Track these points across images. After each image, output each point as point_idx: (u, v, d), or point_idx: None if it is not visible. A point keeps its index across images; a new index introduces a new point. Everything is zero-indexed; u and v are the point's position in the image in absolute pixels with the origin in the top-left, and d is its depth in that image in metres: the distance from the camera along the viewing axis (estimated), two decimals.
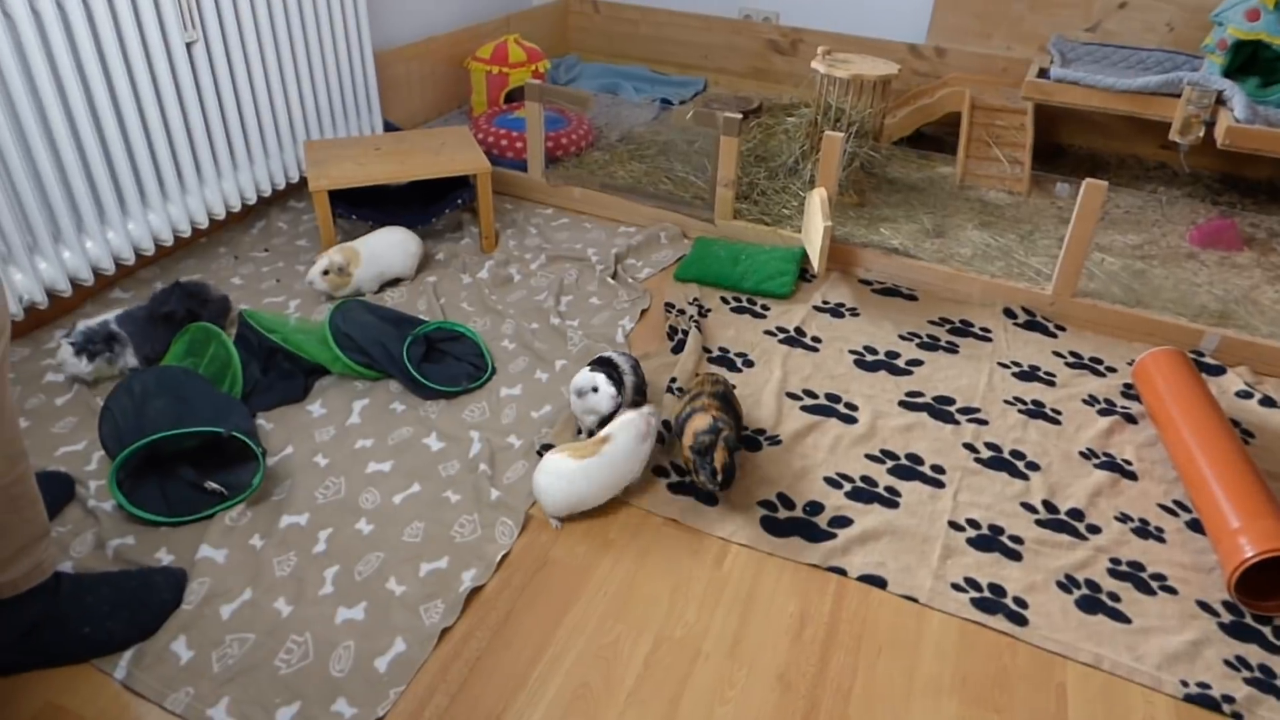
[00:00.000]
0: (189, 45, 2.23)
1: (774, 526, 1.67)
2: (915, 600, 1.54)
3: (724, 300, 2.40)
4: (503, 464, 1.80)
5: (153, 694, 1.33)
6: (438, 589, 1.51)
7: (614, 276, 2.48)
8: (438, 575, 1.54)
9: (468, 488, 1.72)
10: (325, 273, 2.23)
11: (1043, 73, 3.02)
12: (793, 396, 2.03)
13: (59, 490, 1.65)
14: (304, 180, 2.69)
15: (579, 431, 1.87)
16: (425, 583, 1.52)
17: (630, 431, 1.67)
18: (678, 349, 2.17)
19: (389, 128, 3.06)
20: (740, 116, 2.50)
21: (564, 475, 1.63)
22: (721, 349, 2.20)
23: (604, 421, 1.80)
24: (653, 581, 1.56)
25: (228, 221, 2.64)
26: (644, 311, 2.34)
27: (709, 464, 1.64)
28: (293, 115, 2.61)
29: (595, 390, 1.78)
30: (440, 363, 2.07)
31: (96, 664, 1.37)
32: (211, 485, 1.66)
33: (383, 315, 2.10)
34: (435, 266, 2.50)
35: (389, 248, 2.34)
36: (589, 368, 1.83)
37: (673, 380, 2.03)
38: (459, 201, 2.63)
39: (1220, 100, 2.71)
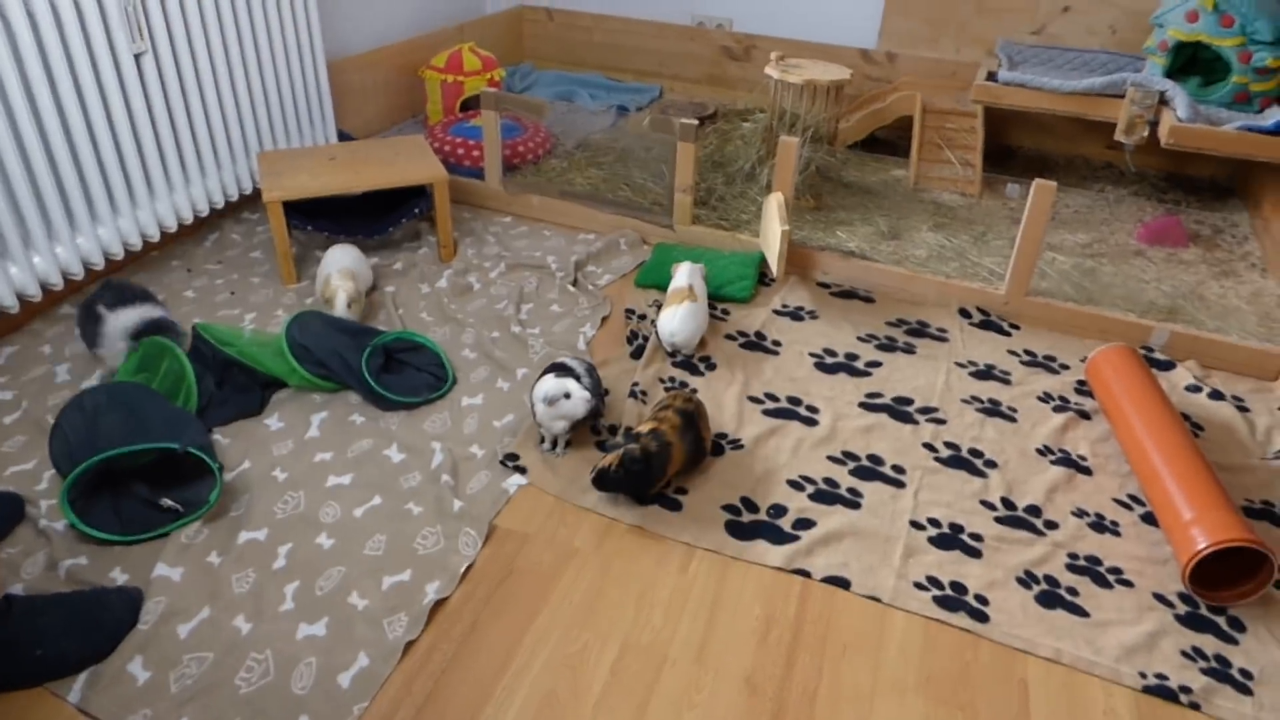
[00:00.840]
0: (138, 56, 2.19)
1: (738, 530, 1.68)
2: (879, 600, 1.55)
3: None
4: (466, 474, 1.78)
5: (109, 717, 1.29)
6: (401, 602, 1.49)
7: (574, 284, 2.47)
8: (401, 588, 1.52)
9: (430, 499, 1.70)
10: (349, 304, 2.17)
11: (991, 76, 3.07)
12: (754, 400, 2.04)
13: (8, 510, 1.60)
14: (258, 192, 2.64)
15: (542, 440, 1.85)
16: (388, 596, 1.50)
17: (699, 277, 2.20)
18: (637, 354, 2.16)
19: (343, 137, 3.02)
20: (697, 122, 2.51)
21: (689, 315, 2.12)
22: (684, 353, 2.20)
23: (574, 427, 1.81)
24: (618, 589, 1.55)
25: (180, 234, 2.59)
26: (605, 318, 2.33)
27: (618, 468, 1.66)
28: (245, 126, 2.57)
29: (568, 396, 1.76)
30: (400, 374, 2.04)
31: (50, 687, 1.33)
32: (167, 502, 1.62)
33: (340, 326, 2.07)
34: (393, 276, 2.47)
35: (357, 263, 2.30)
36: (551, 374, 1.82)
37: (635, 385, 2.02)
38: (416, 211, 2.60)
39: (1163, 100, 2.77)
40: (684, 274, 2.23)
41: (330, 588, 1.51)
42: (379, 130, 3.39)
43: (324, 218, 2.54)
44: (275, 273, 2.45)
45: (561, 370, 1.84)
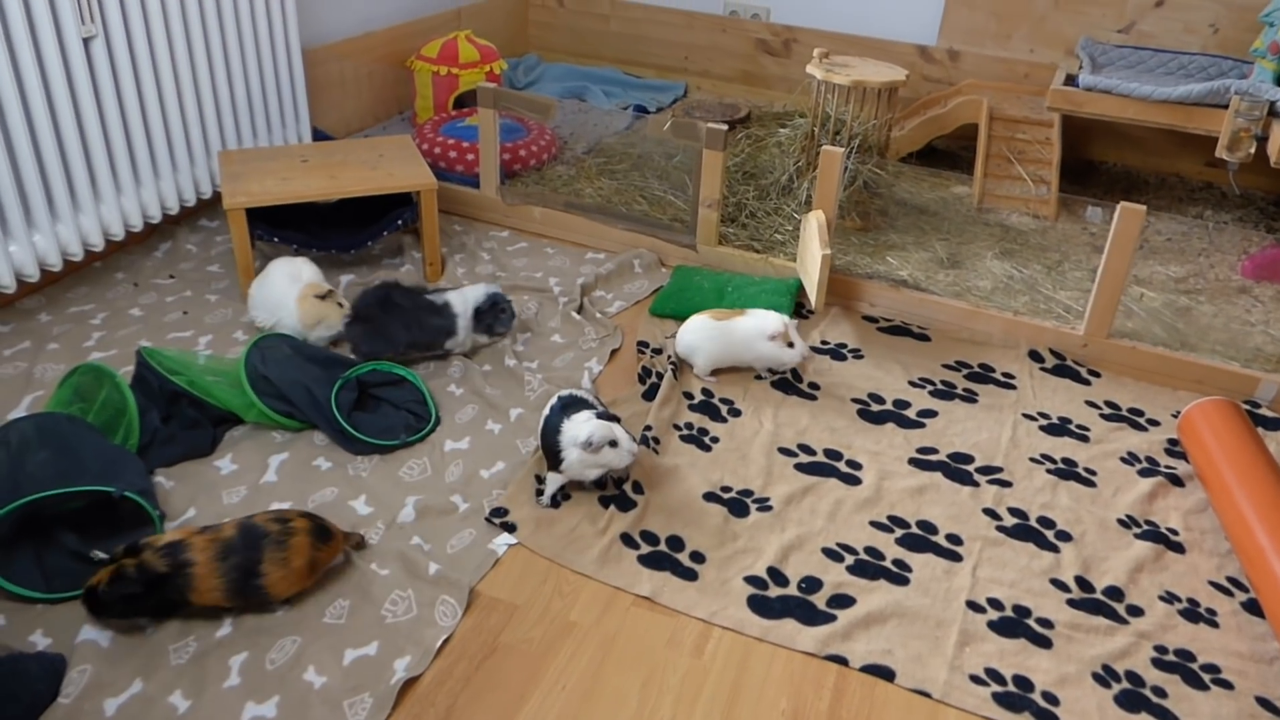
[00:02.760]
0: (86, 41, 2.23)
1: (763, 607, 1.66)
2: (928, 695, 1.53)
3: None
4: (445, 531, 1.78)
5: None
6: (365, 680, 1.49)
7: (580, 310, 2.48)
8: (365, 664, 1.51)
9: (398, 558, 1.70)
10: (340, 305, 2.21)
11: (1070, 80, 3.09)
12: (786, 453, 2.03)
13: None
14: (218, 196, 2.68)
15: (539, 494, 1.86)
16: (350, 673, 1.50)
17: (767, 324, 2.17)
18: (649, 395, 2.17)
19: (318, 136, 3.06)
20: (726, 127, 2.53)
21: (710, 331, 2.20)
22: (705, 393, 2.20)
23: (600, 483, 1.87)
24: (621, 673, 1.54)
25: (127, 243, 2.62)
26: (614, 352, 2.34)
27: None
28: (206, 121, 2.61)
29: (614, 445, 1.77)
30: (375, 411, 2.05)
31: None
32: (98, 555, 1.62)
33: (309, 355, 2.09)
34: None
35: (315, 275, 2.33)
36: (584, 413, 1.81)
37: (647, 429, 2.03)
38: (399, 222, 2.63)
39: (1273, 112, 2.78)
40: (779, 319, 2.20)
41: (283, 661, 1.51)
42: (360, 129, 3.44)
43: (293, 228, 2.57)
44: (235, 289, 2.48)
45: (582, 406, 1.84)
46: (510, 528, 1.79)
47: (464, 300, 2.23)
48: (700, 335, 2.21)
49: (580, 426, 1.78)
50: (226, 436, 1.98)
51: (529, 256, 2.77)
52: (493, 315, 2.25)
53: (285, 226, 2.56)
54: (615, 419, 1.84)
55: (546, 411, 1.88)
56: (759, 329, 2.18)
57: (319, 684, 1.48)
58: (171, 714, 1.42)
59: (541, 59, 4.24)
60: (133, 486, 1.65)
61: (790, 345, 2.17)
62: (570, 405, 1.86)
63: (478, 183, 2.94)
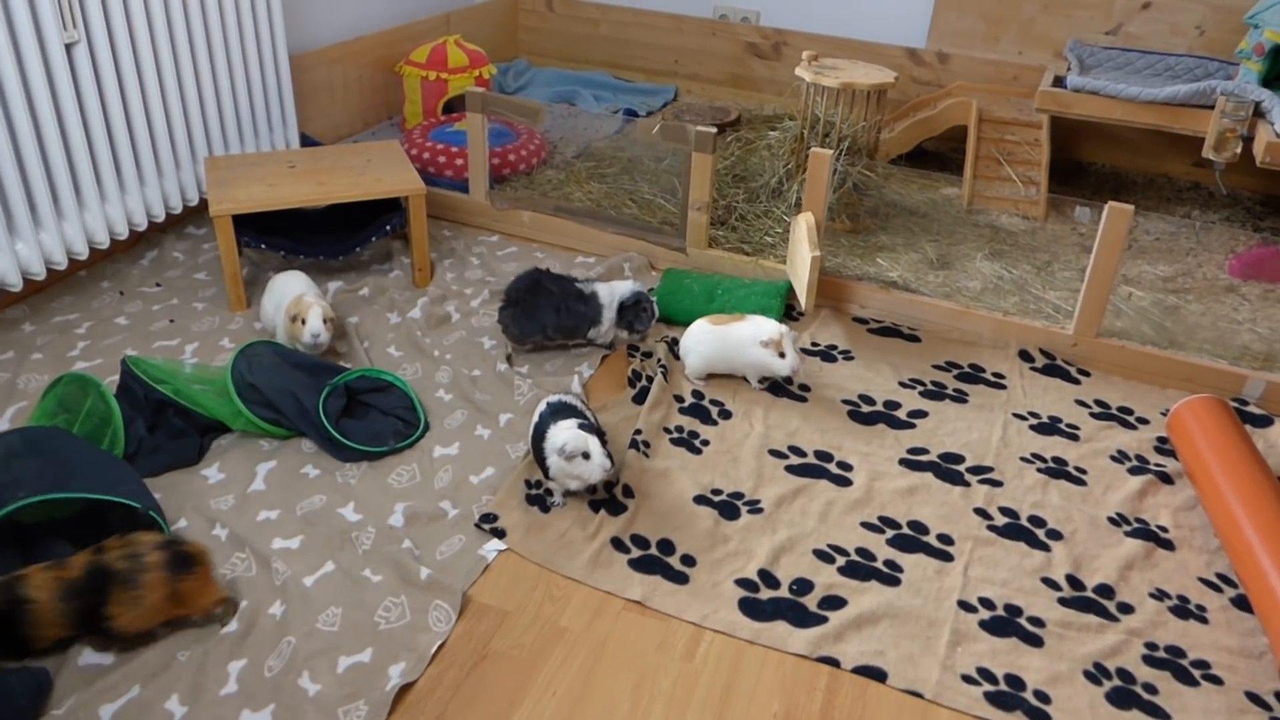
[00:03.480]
0: (69, 46, 2.23)
1: (754, 609, 1.67)
2: (920, 695, 1.53)
3: None
4: (436, 537, 1.78)
5: None
6: (360, 687, 1.49)
7: None
8: (359, 671, 1.51)
9: (389, 565, 1.70)
10: (325, 322, 2.17)
11: (1058, 81, 3.10)
12: (777, 454, 2.04)
13: None
14: (204, 203, 2.67)
15: (535, 498, 1.86)
16: (344, 680, 1.50)
17: (762, 330, 2.14)
18: (640, 398, 2.17)
19: (306, 142, 3.06)
20: (715, 130, 2.53)
21: (709, 337, 2.20)
22: (695, 396, 2.20)
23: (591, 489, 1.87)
24: (612, 678, 1.54)
25: (113, 251, 2.62)
26: (605, 356, 2.34)
27: None
28: (192, 128, 2.61)
29: (587, 457, 1.77)
30: (363, 418, 2.05)
31: None
32: None
33: (296, 362, 2.08)
34: (359, 304, 2.49)
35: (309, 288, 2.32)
36: (572, 421, 1.82)
37: (637, 433, 2.03)
38: (388, 228, 2.63)
39: (1259, 112, 2.80)
40: (776, 327, 2.18)
41: (279, 668, 1.51)
42: (348, 135, 3.44)
43: (280, 235, 2.57)
44: (222, 297, 2.48)
45: (570, 414, 1.85)
46: (500, 533, 1.79)
47: (611, 293, 2.30)
48: (695, 337, 2.23)
49: (560, 434, 1.80)
50: (214, 445, 1.97)
51: (519, 261, 2.77)
52: (635, 312, 2.31)
53: (273, 233, 2.56)
54: (600, 432, 1.85)
55: (535, 417, 1.88)
56: (753, 334, 2.17)
57: (314, 691, 1.48)
58: None
59: (531, 64, 4.25)
60: (138, 498, 1.64)
61: (782, 355, 2.14)
62: (560, 411, 1.86)
63: (467, 187, 2.94)
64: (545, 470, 1.83)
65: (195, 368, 2.10)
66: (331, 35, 3.31)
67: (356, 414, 2.06)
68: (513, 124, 3.27)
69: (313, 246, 2.57)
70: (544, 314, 2.27)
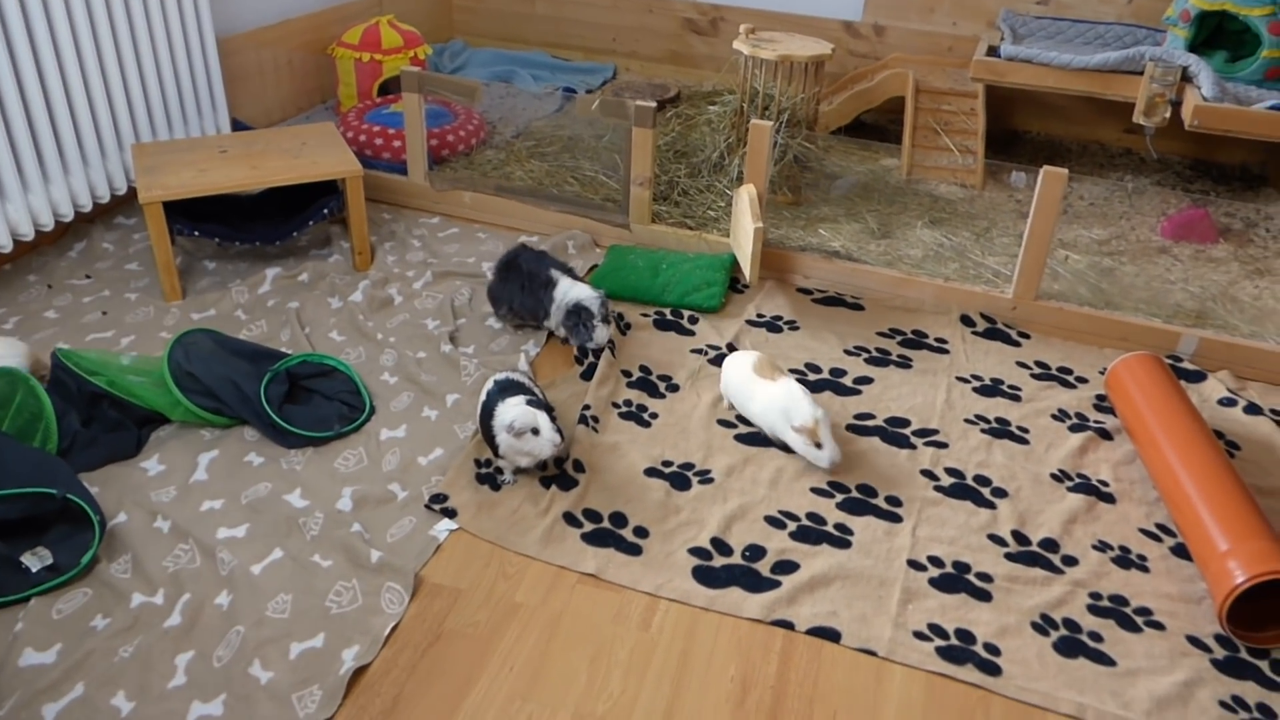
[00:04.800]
0: None
1: (708, 577, 1.68)
2: (874, 654, 1.56)
3: (644, 316, 2.41)
4: (386, 519, 1.77)
5: None
6: (313, 672, 1.48)
7: None
8: (312, 656, 1.50)
9: (339, 549, 1.69)
10: None
11: (992, 51, 3.15)
12: (726, 425, 2.05)
13: None
14: (134, 192, 2.62)
15: (497, 474, 1.86)
16: (297, 666, 1.49)
17: (795, 412, 1.90)
18: (588, 375, 2.17)
19: (238, 127, 3.01)
20: (655, 105, 2.53)
21: (741, 369, 2.03)
22: (643, 370, 2.21)
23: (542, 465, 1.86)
24: (568, 651, 1.55)
25: (38, 243, 2.55)
26: (551, 333, 2.34)
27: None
28: (117, 114, 2.55)
29: (536, 433, 1.77)
30: (306, 403, 2.03)
31: None
32: (34, 561, 1.59)
33: (235, 349, 2.05)
34: (299, 290, 2.46)
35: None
36: (520, 398, 1.81)
37: (586, 408, 2.03)
38: (325, 212, 2.59)
39: (1186, 77, 2.86)
40: (810, 411, 1.90)
41: (229, 658, 1.49)
42: (282, 119, 3.38)
43: (214, 221, 2.52)
44: (156, 288, 2.43)
45: (518, 391, 1.84)
46: (451, 513, 1.79)
47: (565, 293, 2.23)
48: (727, 369, 2.08)
49: (508, 411, 1.79)
50: (153, 437, 1.94)
51: (461, 242, 2.75)
52: (573, 319, 2.20)
53: (207, 220, 2.51)
54: (548, 408, 1.84)
55: (483, 395, 1.88)
56: (783, 406, 1.92)
57: (266, 679, 1.46)
58: (115, 717, 1.39)
59: (467, 44, 4.20)
60: (70, 489, 1.61)
61: (819, 445, 1.89)
62: (508, 389, 1.86)
63: (406, 169, 2.91)
64: (495, 449, 1.82)
65: (132, 359, 2.05)
66: (259, 17, 3.24)
67: (300, 400, 2.04)
68: (450, 104, 3.24)
69: (248, 232, 2.53)
70: (510, 290, 2.27)
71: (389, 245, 2.70)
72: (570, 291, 2.23)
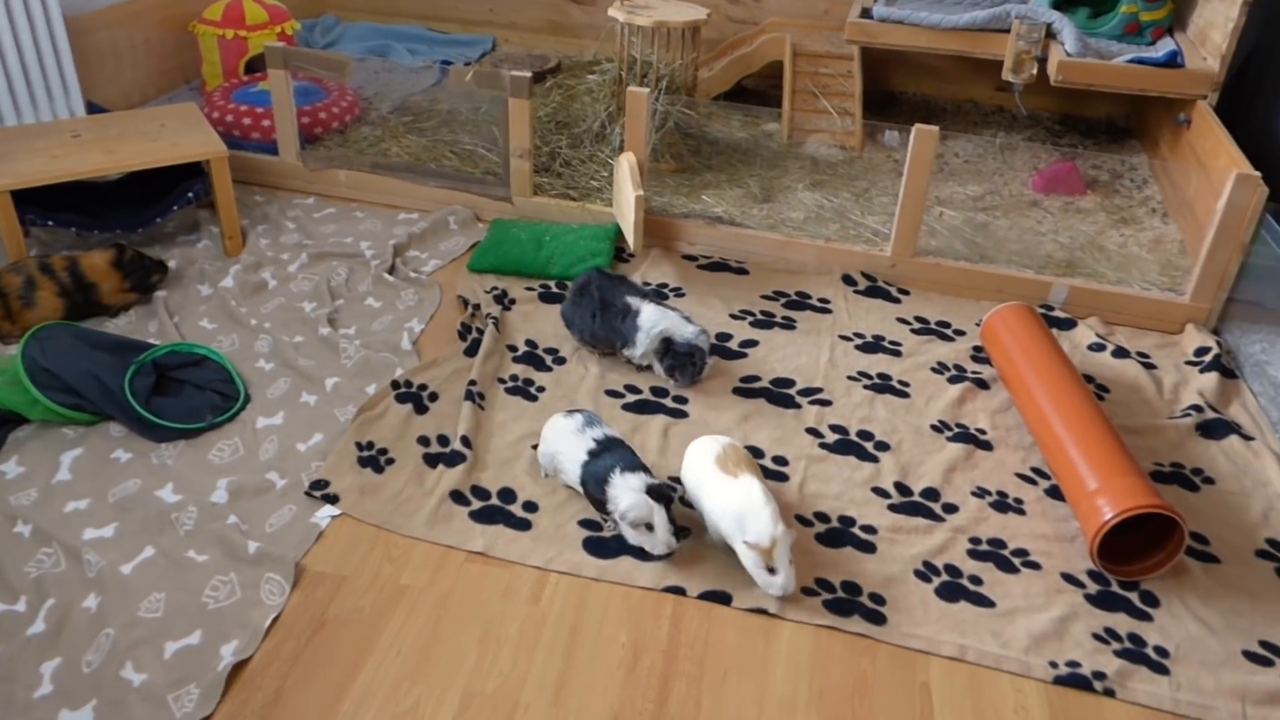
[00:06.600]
0: None
1: (599, 548, 1.68)
2: (764, 612, 1.58)
3: (529, 290, 2.38)
4: (264, 509, 1.72)
5: None
6: (190, 671, 1.43)
7: (391, 271, 2.42)
8: (188, 654, 1.46)
9: (215, 543, 1.63)
10: None
11: (866, 13, 3.18)
12: (613, 394, 2.04)
13: None
14: None
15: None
16: (172, 666, 1.44)
17: (750, 526, 1.57)
18: (472, 350, 2.14)
19: (94, 110, 2.86)
20: (529, 75, 2.49)
21: (702, 456, 1.71)
22: (529, 344, 2.18)
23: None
24: (457, 630, 1.52)
25: None
26: (433, 314, 2.29)
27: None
28: None
29: (650, 528, 1.64)
30: (176, 394, 1.95)
31: None
32: None
33: (95, 341, 1.96)
34: (166, 278, 2.35)
35: None
36: (637, 476, 1.65)
37: (472, 384, 2.00)
38: (190, 196, 2.49)
39: (1051, 34, 2.94)
40: (769, 530, 1.56)
41: (99, 662, 1.43)
42: (142, 101, 3.23)
43: (71, 210, 2.40)
44: None
45: (633, 465, 1.69)
46: (332, 499, 1.74)
47: (656, 323, 2.05)
48: (688, 460, 1.75)
49: (624, 494, 1.64)
50: (10, 438, 1.85)
51: (337, 222, 2.67)
52: (672, 359, 2.05)
53: (61, 209, 2.39)
54: (667, 495, 1.65)
55: (586, 447, 1.73)
56: (736, 514, 1.60)
57: (139, 681, 1.41)
58: None
59: (339, 19, 4.08)
60: None
61: (772, 570, 1.57)
62: (610, 448, 1.72)
63: (276, 149, 2.81)
64: (600, 507, 1.72)
65: None
66: None
67: (169, 392, 1.96)
68: (322, 81, 3.14)
69: (107, 220, 2.41)
70: (582, 316, 2.14)
71: (261, 228, 2.60)
72: (661, 323, 2.05)
